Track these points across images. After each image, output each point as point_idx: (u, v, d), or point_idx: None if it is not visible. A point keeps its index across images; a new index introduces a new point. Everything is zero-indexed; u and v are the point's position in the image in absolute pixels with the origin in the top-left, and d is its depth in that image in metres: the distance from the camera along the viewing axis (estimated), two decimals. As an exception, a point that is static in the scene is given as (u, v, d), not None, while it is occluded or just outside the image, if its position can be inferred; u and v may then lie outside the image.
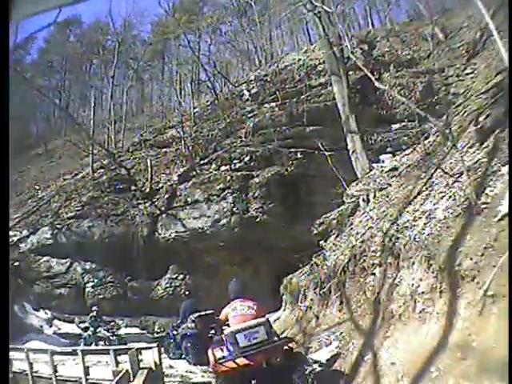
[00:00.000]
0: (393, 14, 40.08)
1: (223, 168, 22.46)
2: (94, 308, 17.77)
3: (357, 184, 14.63)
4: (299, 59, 27.38)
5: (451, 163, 8.99)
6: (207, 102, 32.75)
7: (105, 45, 50.37)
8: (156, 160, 26.36)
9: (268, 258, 20.62)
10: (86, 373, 11.82)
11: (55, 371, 12.89)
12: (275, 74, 27.15)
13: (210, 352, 7.79)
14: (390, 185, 12.18)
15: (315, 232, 15.25)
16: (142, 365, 9.31)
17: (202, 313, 14.02)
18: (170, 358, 14.51)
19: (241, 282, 8.61)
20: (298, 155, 21.70)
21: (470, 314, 5.46)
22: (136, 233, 22.05)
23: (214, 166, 22.90)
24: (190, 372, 12.49)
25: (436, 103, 19.00)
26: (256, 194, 20.84)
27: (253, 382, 6.93)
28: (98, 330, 17.07)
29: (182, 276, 21.62)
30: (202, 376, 11.87)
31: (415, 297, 6.74)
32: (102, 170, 27.44)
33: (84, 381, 11.77)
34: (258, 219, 20.47)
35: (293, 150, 21.91)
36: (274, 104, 24.34)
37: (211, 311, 13.77)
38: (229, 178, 21.47)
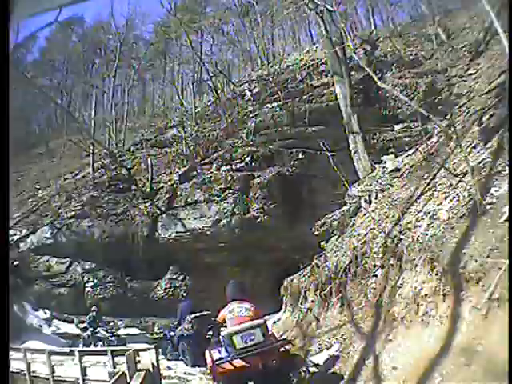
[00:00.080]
0: (395, 14, 40.13)
1: (224, 168, 22.37)
2: (94, 308, 17.77)
3: (358, 185, 14.51)
4: (301, 59, 27.32)
5: (455, 163, 8.87)
6: (208, 101, 32.74)
7: (107, 44, 50.38)
8: (157, 160, 26.30)
9: (268, 259, 20.58)
10: (84, 373, 11.75)
11: (53, 371, 12.80)
12: (277, 74, 27.13)
13: (207, 353, 7.85)
14: (392, 185, 12.06)
15: (316, 233, 15.06)
16: (139, 366, 9.24)
17: (199, 314, 14.04)
18: (167, 359, 14.44)
19: (239, 284, 8.61)
20: (300, 155, 21.65)
21: (474, 317, 5.31)
22: (136, 233, 22.02)
23: (214, 166, 22.81)
24: (189, 374, 12.43)
25: (439, 104, 18.87)
26: (257, 195, 20.76)
27: (250, 383, 7.00)
28: (97, 331, 17.04)
29: (181, 276, 21.58)
30: (201, 378, 11.76)
31: (418, 299, 6.59)
32: (103, 170, 27.41)
33: (81, 381, 11.68)
34: (258, 220, 20.37)
35: (294, 150, 21.86)
36: (275, 104, 24.27)
37: (208, 312, 13.84)
38: (230, 178, 21.39)
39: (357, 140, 15.90)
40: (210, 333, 12.49)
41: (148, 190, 23.74)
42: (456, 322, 5.55)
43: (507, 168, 6.72)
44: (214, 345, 8.26)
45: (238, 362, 6.96)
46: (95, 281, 22.00)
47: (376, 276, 8.58)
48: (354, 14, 41.16)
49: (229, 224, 20.42)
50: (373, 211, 11.39)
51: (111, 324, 17.97)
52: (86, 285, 22.09)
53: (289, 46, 42.15)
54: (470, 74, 17.59)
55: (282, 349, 7.49)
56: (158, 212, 22.33)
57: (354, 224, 12.33)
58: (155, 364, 9.27)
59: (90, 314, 17.50)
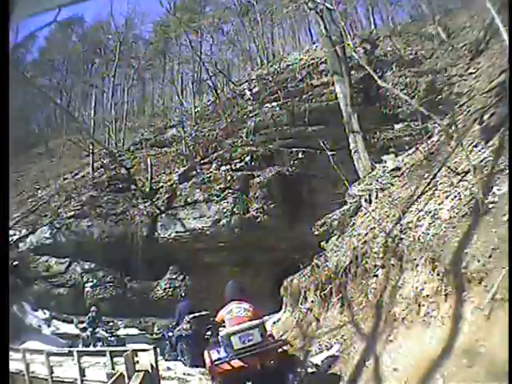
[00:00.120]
0: (395, 14, 40.11)
1: (224, 168, 22.30)
2: (93, 308, 17.75)
3: (359, 184, 14.47)
4: (301, 58, 27.28)
5: (456, 162, 8.81)
6: (208, 101, 32.71)
7: (106, 44, 50.35)
8: (156, 159, 26.25)
9: (268, 259, 20.52)
10: (82, 374, 11.73)
11: (51, 372, 12.81)
12: (277, 74, 27.09)
13: (206, 354, 7.90)
14: (393, 185, 12.01)
15: (316, 233, 15.02)
16: (138, 367, 9.19)
17: (197, 314, 14.00)
18: (165, 359, 14.38)
19: (237, 284, 8.59)
20: (300, 155, 21.60)
21: (476, 318, 5.24)
22: (135, 233, 21.96)
23: (214, 165, 22.74)
24: (188, 374, 12.35)
25: (439, 103, 18.82)
26: (257, 194, 20.69)
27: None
28: (96, 331, 17.01)
29: (181, 276, 21.50)
30: (200, 379, 11.69)
31: (419, 300, 6.52)
32: (102, 170, 27.38)
33: (79, 382, 11.65)
34: (258, 220, 20.31)
35: (294, 149, 21.82)
36: (275, 103, 24.23)
37: (206, 312, 13.80)
38: (229, 177, 21.33)
39: (357, 139, 15.88)
40: (209, 333, 12.48)
41: (147, 189, 23.69)
42: (458, 323, 5.49)
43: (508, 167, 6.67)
44: (212, 345, 8.32)
45: (236, 363, 6.99)
46: (95, 281, 21.94)
47: (376, 276, 8.51)
48: (354, 14, 41.24)
49: (228, 224, 20.35)
50: (373, 211, 11.34)
51: (111, 324, 17.94)
52: (86, 285, 22.02)
53: (288, 45, 42.19)
54: (471, 73, 17.55)
55: (280, 349, 7.49)
56: (158, 212, 22.27)
57: (354, 224, 12.28)
58: (154, 365, 9.22)
59: (90, 315, 17.48)
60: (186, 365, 13.37)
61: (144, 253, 21.40)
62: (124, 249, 21.56)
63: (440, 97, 19.48)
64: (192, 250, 21.03)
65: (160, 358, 12.21)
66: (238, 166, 22.06)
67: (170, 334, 14.81)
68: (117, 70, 38.02)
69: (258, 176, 21.25)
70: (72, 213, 23.61)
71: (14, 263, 21.86)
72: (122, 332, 18.62)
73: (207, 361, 7.69)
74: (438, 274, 6.33)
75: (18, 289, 21.33)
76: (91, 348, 16.43)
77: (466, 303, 5.53)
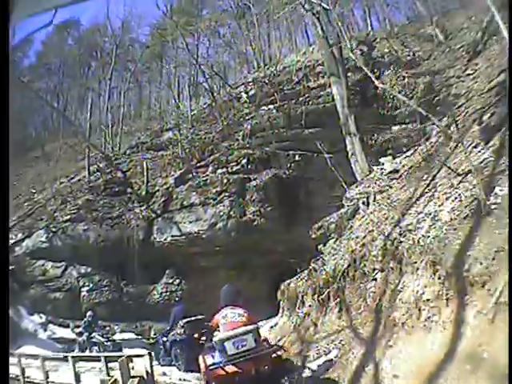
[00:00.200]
0: (392, 15, 40.07)
1: (220, 171, 22.18)
2: (89, 313, 17.72)
3: (356, 186, 14.36)
4: (298, 61, 27.20)
5: (455, 163, 8.71)
6: (204, 104, 32.61)
7: (103, 47, 50.27)
8: (152, 163, 26.15)
9: (265, 263, 20.43)
10: (78, 379, 11.61)
11: (47, 377, 12.72)
12: (273, 76, 26.99)
13: (200, 358, 7.98)
14: (391, 187, 11.92)
15: (314, 236, 14.90)
16: (133, 373, 9.09)
17: (191, 318, 13.99)
18: (160, 364, 14.27)
19: (232, 289, 8.62)
20: (296, 158, 21.49)
21: (479, 322, 5.12)
22: (131, 236, 21.87)
23: (210, 168, 22.63)
24: (184, 380, 12.24)
25: (437, 104, 18.75)
26: (253, 198, 20.58)
27: None
28: (92, 335, 16.92)
29: (178, 280, 21.37)
30: (195, 384, 11.58)
31: (420, 304, 6.40)
32: (98, 173, 27.27)
33: (74, 387, 11.54)
34: (255, 223, 20.17)
35: (291, 152, 21.69)
36: (271, 106, 24.14)
37: (200, 317, 13.77)
38: (226, 181, 21.19)
39: (354, 141, 15.76)
40: (204, 338, 12.40)
41: (143, 193, 23.59)
42: (460, 328, 5.38)
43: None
44: (207, 350, 8.34)
45: (231, 368, 7.05)
46: (91, 285, 21.81)
47: (375, 280, 8.41)
48: (351, 16, 41.06)
49: (225, 227, 20.22)
50: (371, 213, 11.25)
51: (107, 329, 17.94)
52: (82, 289, 21.88)
53: (285, 47, 41.99)
54: (468, 75, 17.51)
55: (274, 354, 7.59)
56: (154, 215, 22.16)
57: (352, 226, 12.17)
58: (149, 370, 9.12)
59: (86, 319, 17.47)
60: (180, 369, 13.34)
61: (140, 257, 21.32)
62: (120, 253, 21.46)
63: (438, 98, 19.40)
64: (188, 253, 20.92)
65: (155, 363, 12.11)
66: (234, 169, 21.93)
67: (165, 338, 14.77)
68: (113, 74, 38.04)
69: (255, 179, 21.14)
70: (68, 216, 23.52)
71: (11, 267, 21.73)
72: (118, 336, 18.59)
73: (202, 366, 7.76)
74: (439, 278, 6.22)
75: (14, 293, 21.19)
76: (87, 353, 16.36)
77: (469, 307, 5.42)
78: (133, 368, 9.17)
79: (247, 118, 24.59)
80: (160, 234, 21.54)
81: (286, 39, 43.31)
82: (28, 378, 13.65)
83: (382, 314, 7.44)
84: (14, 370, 13.79)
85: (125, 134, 36.78)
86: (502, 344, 4.64)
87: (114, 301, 21.46)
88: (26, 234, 23.90)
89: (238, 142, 23.29)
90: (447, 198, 7.65)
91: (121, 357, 9.46)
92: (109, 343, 16.56)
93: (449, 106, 15.48)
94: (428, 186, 9.02)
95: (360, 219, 12.02)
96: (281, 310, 14.01)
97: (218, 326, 7.80)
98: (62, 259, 22.59)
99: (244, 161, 21.92)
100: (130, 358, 9.32)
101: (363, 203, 12.63)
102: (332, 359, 8.06)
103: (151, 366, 9.24)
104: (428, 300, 6.29)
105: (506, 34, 7.19)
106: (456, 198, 7.36)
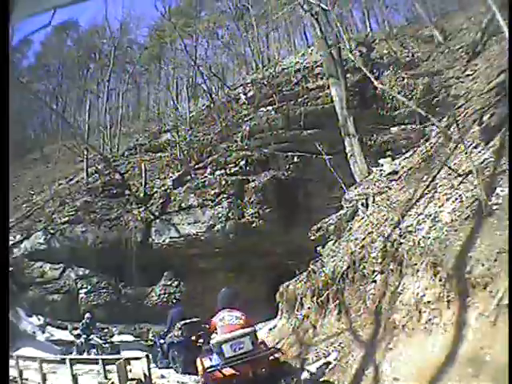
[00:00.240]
0: (391, 17, 40.11)
1: (218, 172, 22.08)
2: (87, 315, 17.71)
3: (355, 188, 14.31)
4: (296, 62, 27.14)
5: (455, 164, 8.66)
6: (203, 105, 32.56)
7: (101, 49, 50.21)
8: (150, 164, 26.07)
9: (264, 265, 20.38)
10: (75, 382, 11.56)
11: (44, 379, 12.66)
12: (272, 77, 26.90)
13: (198, 361, 8.05)
14: (390, 188, 11.86)
15: (312, 238, 14.83)
16: (130, 376, 9.05)
17: (189, 320, 13.98)
18: (158, 367, 14.22)
19: (230, 292, 8.67)
20: (295, 159, 21.39)
21: (481, 325, 5.06)
22: (130, 238, 21.78)
23: (209, 170, 22.54)
24: (182, 383, 12.18)
25: (436, 105, 18.72)
26: (252, 199, 20.49)
27: None
28: (90, 338, 16.87)
29: (176, 282, 21.32)
30: (194, 387, 11.52)
31: (420, 306, 6.33)
32: (96, 175, 27.20)
33: (72, 390, 11.48)
34: (253, 224, 20.11)
35: (289, 153, 21.59)
36: (270, 107, 24.03)
37: (198, 319, 13.76)
38: (224, 182, 21.11)
39: (353, 143, 15.73)
40: (201, 340, 12.38)
41: (142, 195, 23.51)
42: (462, 330, 5.32)
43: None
44: (205, 352, 8.40)
45: (228, 371, 7.10)
46: (89, 287, 21.79)
47: (375, 282, 8.35)
48: (350, 17, 41.07)
49: (223, 229, 20.16)
50: (371, 215, 11.19)
51: (105, 331, 17.89)
52: (80, 291, 21.87)
53: (284, 49, 42.05)
54: (468, 75, 17.50)
55: (272, 357, 7.64)
56: (152, 217, 22.08)
57: (351, 228, 12.11)
58: (147, 373, 9.10)
59: (84, 321, 17.44)
60: (177, 372, 13.32)
61: (138, 259, 21.25)
62: (118, 255, 21.40)
63: (437, 99, 19.39)
64: (187, 255, 20.88)
65: (153, 365, 12.04)
66: (232, 171, 21.83)
67: (162, 340, 14.74)
68: (111, 75, 38.00)
69: (253, 180, 21.04)
70: (66, 218, 23.46)
71: (9, 269, 21.69)
72: (116, 338, 18.47)
73: (200, 368, 7.83)
74: (439, 280, 6.16)
75: (12, 294, 21.11)
76: (85, 355, 16.33)
77: (470, 309, 5.36)
78: (130, 371, 9.13)
79: (246, 119, 24.50)
80: (158, 235, 21.48)
81: (284, 40, 43.37)
82: (26, 380, 13.57)
83: (382, 317, 7.38)
84: (11, 372, 13.68)
85: (123, 136, 36.75)
86: (505, 347, 4.57)
87: (112, 303, 21.43)
88: (25, 235, 23.85)
89: (236, 143, 23.21)
90: (448, 199, 7.60)
91: (118, 359, 9.41)
92: (107, 345, 16.54)
93: (448, 107, 15.45)
94: (428, 187, 8.97)
95: (359, 221, 11.96)
96: (280, 312, 13.94)
97: (216, 329, 7.82)
98: (60, 261, 22.58)
99: (242, 162, 21.83)
100: (127, 360, 9.28)
101: (362, 205, 12.56)
102: (331, 362, 8.00)
103: (149, 369, 9.22)
104: (429, 302, 6.22)
105: (506, 30, 7.15)
106: (457, 198, 7.32)
